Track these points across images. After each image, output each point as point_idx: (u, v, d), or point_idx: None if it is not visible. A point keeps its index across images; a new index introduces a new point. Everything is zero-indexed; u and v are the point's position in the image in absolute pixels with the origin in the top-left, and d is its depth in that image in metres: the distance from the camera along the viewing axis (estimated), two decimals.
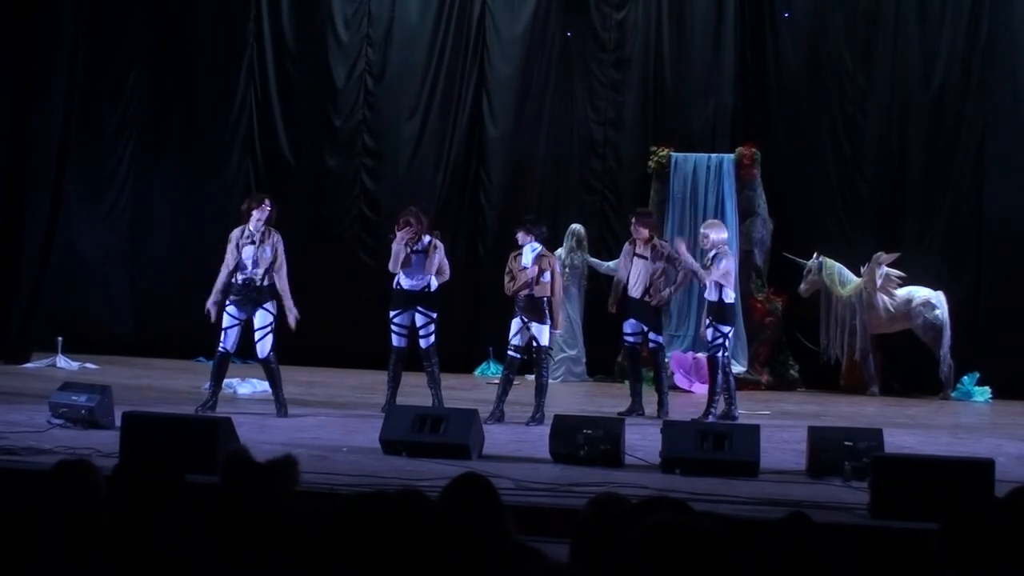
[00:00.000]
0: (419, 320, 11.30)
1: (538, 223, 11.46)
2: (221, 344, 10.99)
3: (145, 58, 16.53)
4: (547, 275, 11.06)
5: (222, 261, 11.04)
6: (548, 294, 11.08)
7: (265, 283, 10.91)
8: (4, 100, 14.65)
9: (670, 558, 2.18)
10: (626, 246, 12.14)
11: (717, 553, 2.20)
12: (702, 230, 11.85)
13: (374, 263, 15.80)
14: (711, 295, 11.45)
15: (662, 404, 11.79)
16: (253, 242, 10.92)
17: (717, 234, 11.56)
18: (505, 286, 11.23)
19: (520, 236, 11.21)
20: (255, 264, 10.87)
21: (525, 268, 11.04)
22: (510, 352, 11.24)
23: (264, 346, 10.89)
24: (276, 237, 10.97)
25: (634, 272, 11.86)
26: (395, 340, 11.39)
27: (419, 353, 11.37)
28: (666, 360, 14.64)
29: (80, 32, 15.28)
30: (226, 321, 10.95)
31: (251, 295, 10.90)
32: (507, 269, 11.25)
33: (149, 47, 16.54)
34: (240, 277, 10.91)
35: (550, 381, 14.66)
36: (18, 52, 14.69)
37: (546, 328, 11.14)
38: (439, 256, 11.35)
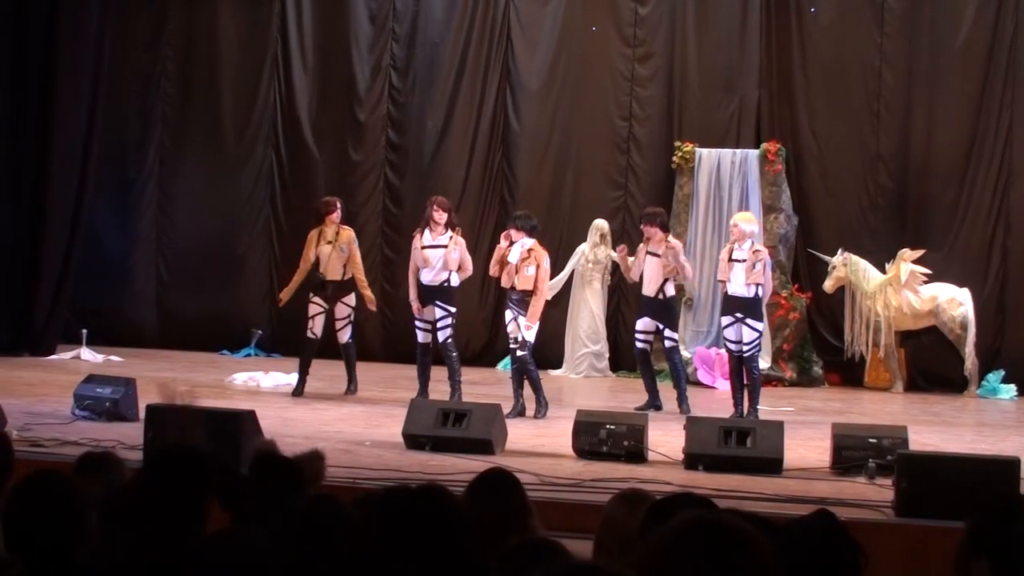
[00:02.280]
0: (437, 313, 11.44)
1: (528, 217, 11.43)
2: (310, 331, 12.05)
3: (171, 52, 16.59)
4: (531, 268, 11.05)
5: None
6: (530, 287, 11.05)
7: (344, 277, 12.02)
8: (31, 92, 14.70)
9: (702, 554, 2.17)
10: (640, 245, 12.11)
11: (750, 550, 2.19)
12: (733, 221, 11.56)
13: (396, 257, 15.85)
14: (746, 291, 11.06)
15: (682, 399, 11.73)
16: (330, 242, 11.96)
17: (748, 226, 11.31)
18: (491, 267, 11.44)
19: (512, 233, 11.20)
20: (336, 263, 11.93)
21: (510, 263, 11.10)
22: (511, 345, 11.33)
23: (344, 334, 12.10)
24: (350, 235, 12.13)
25: (647, 270, 11.79)
26: (419, 336, 11.58)
27: (437, 347, 11.50)
28: (690, 355, 14.65)
29: (106, 24, 15.34)
30: (312, 310, 12.08)
31: (333, 290, 11.96)
32: (496, 258, 11.31)
33: (175, 42, 16.59)
34: (322, 274, 11.95)
35: (572, 376, 14.77)
36: (45, 45, 14.73)
37: (524, 322, 11.09)
38: (459, 252, 11.47)
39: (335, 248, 11.94)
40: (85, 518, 3.45)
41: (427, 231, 11.47)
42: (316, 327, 12.05)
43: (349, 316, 12.10)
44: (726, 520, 2.24)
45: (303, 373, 12.04)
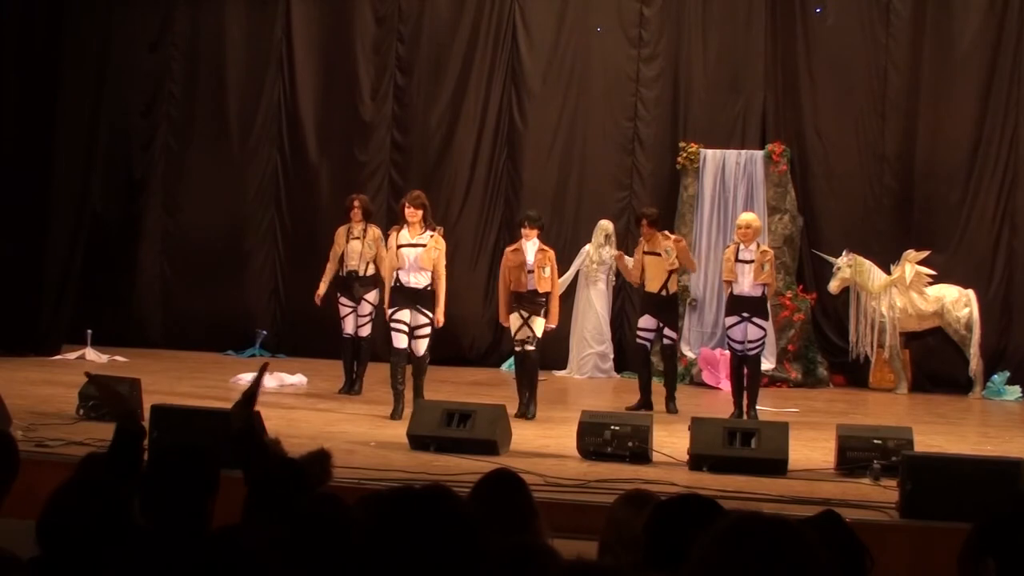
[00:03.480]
0: (419, 319, 10.81)
1: (540, 216, 11.60)
2: (344, 332, 12.41)
3: (176, 53, 16.62)
4: (547, 270, 11.12)
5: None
6: (549, 289, 11.14)
7: (367, 273, 12.26)
8: (35, 93, 14.70)
9: (761, 553, 2.16)
10: (636, 248, 12.11)
11: (808, 547, 2.19)
12: (743, 221, 11.30)
13: None
14: (754, 292, 11.00)
15: (670, 399, 11.75)
16: (357, 238, 12.27)
17: (757, 224, 11.29)
18: (510, 282, 11.18)
19: (528, 231, 11.26)
20: (360, 258, 12.23)
21: (527, 264, 11.11)
22: (526, 347, 11.20)
23: (365, 330, 12.40)
24: (376, 233, 12.29)
25: (649, 268, 11.79)
26: (395, 339, 10.87)
27: (411, 358, 10.85)
28: (694, 356, 14.64)
29: (112, 24, 15.36)
30: (342, 311, 12.41)
31: (354, 285, 12.27)
32: (506, 265, 11.26)
33: (180, 42, 16.62)
34: (346, 270, 12.29)
35: (576, 376, 14.77)
36: (50, 44, 14.74)
37: (542, 322, 11.17)
38: (437, 254, 10.84)
39: (363, 243, 12.22)
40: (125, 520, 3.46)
41: (405, 229, 10.88)
42: (348, 326, 12.40)
43: (371, 314, 12.38)
44: (779, 519, 2.23)
45: (348, 372, 12.39)
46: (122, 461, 3.91)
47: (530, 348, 11.18)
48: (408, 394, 10.85)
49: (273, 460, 4.06)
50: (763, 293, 11.11)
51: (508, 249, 11.50)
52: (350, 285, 12.32)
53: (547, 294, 11.17)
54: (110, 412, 4.23)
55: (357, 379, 12.40)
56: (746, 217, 11.50)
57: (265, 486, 3.95)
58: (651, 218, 11.95)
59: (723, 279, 11.57)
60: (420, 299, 10.81)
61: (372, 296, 12.36)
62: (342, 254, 12.37)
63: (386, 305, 11.10)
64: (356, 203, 12.45)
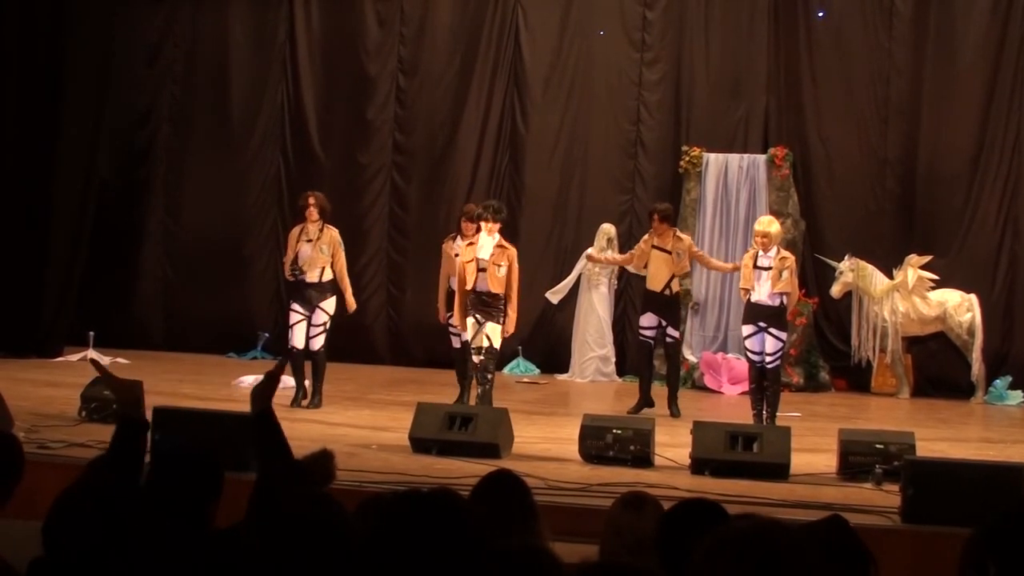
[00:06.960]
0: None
1: (502, 209, 11.01)
2: (290, 343, 11.37)
3: (179, 55, 16.63)
4: (503, 269, 10.56)
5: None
6: (501, 290, 10.60)
7: (321, 280, 11.26)
8: (38, 95, 14.71)
9: (758, 560, 2.16)
10: (645, 237, 12.04)
11: (802, 555, 2.20)
12: (759, 228, 10.96)
13: (403, 260, 15.86)
14: (771, 301, 10.66)
15: (672, 400, 11.69)
16: (309, 240, 11.24)
17: (774, 228, 10.87)
18: (459, 278, 10.72)
19: (488, 226, 10.65)
20: (311, 263, 11.19)
21: (478, 261, 10.55)
22: (477, 358, 10.62)
23: (317, 342, 11.24)
24: (333, 235, 11.31)
25: (654, 265, 11.72)
26: (453, 342, 11.51)
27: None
28: (695, 360, 14.63)
29: (114, 26, 15.37)
30: (292, 319, 11.36)
31: (308, 292, 11.24)
32: (462, 262, 10.68)
33: (183, 45, 16.64)
34: (297, 275, 11.26)
35: (578, 380, 14.75)
36: (52, 46, 14.75)
37: (499, 328, 10.61)
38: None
39: (315, 247, 11.23)
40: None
41: (459, 239, 11.18)
42: (297, 338, 11.29)
43: (325, 324, 11.30)
44: (772, 524, 2.24)
45: (299, 381, 11.31)
46: (124, 456, 3.90)
47: (490, 375, 10.62)
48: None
49: (289, 454, 4.01)
50: (781, 303, 10.71)
51: (464, 244, 10.93)
52: (303, 291, 11.30)
53: (500, 296, 10.60)
54: (117, 400, 4.20)
55: (316, 393, 11.33)
56: (760, 221, 11.22)
57: (276, 478, 3.92)
58: (663, 213, 11.88)
59: (740, 286, 11.10)
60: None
61: (329, 305, 11.33)
62: (296, 257, 11.27)
63: (442, 309, 11.30)
64: (311, 200, 11.31)
